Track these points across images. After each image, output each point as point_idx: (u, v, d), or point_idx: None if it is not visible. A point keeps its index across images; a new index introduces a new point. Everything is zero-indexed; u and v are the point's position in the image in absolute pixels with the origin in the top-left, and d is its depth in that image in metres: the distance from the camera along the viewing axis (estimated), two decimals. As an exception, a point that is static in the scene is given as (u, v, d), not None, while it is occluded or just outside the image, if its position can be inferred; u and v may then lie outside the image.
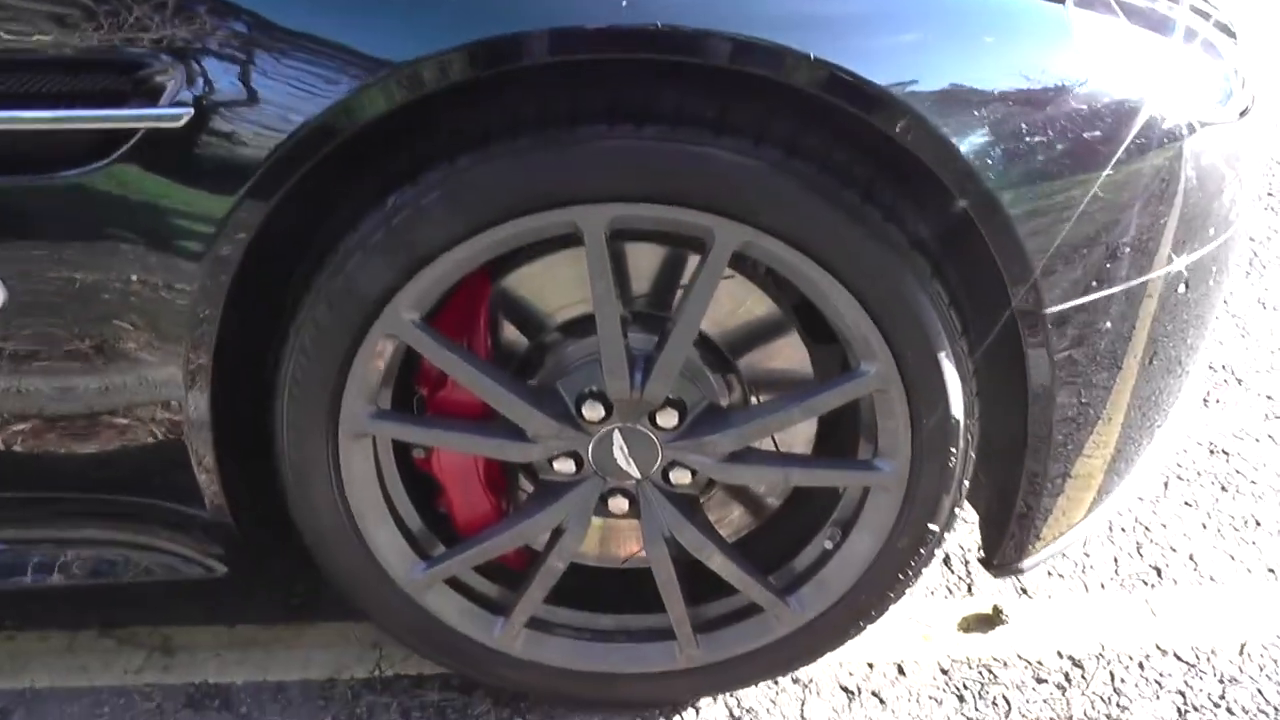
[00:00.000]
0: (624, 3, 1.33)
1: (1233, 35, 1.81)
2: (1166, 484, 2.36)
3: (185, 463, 1.62)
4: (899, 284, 1.48)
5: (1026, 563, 1.78)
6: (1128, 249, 1.53)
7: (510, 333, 1.70)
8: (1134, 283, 1.57)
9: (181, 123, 1.39)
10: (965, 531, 2.22)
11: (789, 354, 1.71)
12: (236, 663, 2.02)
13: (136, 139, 1.40)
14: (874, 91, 1.37)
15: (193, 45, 1.38)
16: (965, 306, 1.55)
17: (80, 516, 1.75)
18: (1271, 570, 2.15)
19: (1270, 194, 3.64)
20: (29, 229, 1.47)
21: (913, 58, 1.42)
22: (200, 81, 1.39)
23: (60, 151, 1.43)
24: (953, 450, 1.59)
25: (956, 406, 1.56)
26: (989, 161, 1.42)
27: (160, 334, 1.51)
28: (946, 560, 2.19)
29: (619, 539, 1.86)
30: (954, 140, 1.40)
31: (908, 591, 1.77)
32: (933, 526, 1.66)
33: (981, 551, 1.84)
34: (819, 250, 1.46)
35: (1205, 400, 2.63)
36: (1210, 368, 2.75)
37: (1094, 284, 1.52)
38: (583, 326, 1.64)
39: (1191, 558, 2.18)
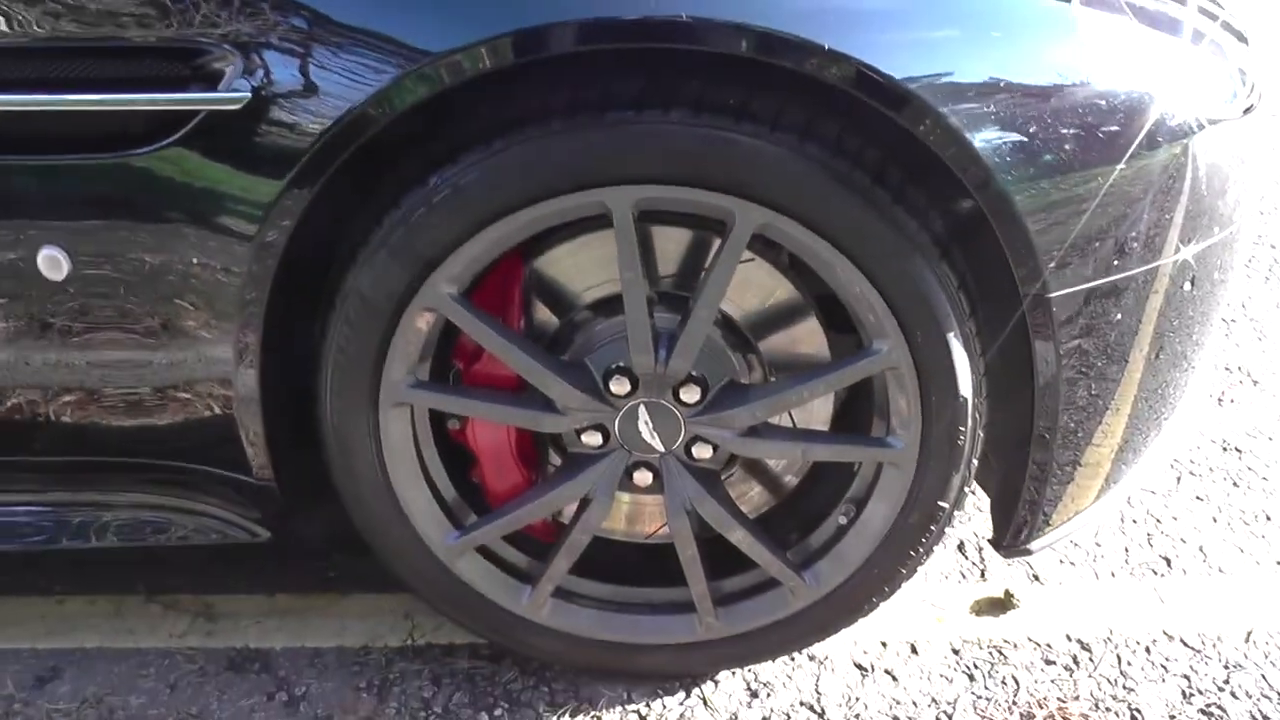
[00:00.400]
0: None
1: (1242, 37, 1.88)
2: (1179, 479, 2.42)
3: (234, 433, 1.72)
4: (909, 266, 1.55)
5: (1035, 545, 1.84)
6: (1134, 240, 1.60)
7: (542, 313, 1.79)
8: (1137, 271, 1.63)
9: (239, 106, 1.48)
10: (980, 520, 2.29)
11: (809, 340, 1.79)
12: (276, 629, 2.11)
13: (196, 122, 1.50)
14: (887, 83, 1.45)
15: (251, 36, 1.48)
16: (974, 289, 1.62)
17: (131, 482, 1.84)
18: (1279, 563, 2.20)
19: (1294, 204, 3.69)
20: (92, 205, 1.57)
21: (925, 51, 1.49)
22: (258, 70, 1.49)
23: (126, 132, 1.53)
24: (961, 428, 1.66)
25: (965, 385, 1.63)
26: (997, 151, 1.49)
27: (212, 311, 1.61)
28: (960, 547, 2.25)
29: (644, 516, 1.94)
30: (963, 130, 1.47)
31: (919, 569, 1.83)
32: (942, 503, 1.73)
33: (989, 532, 1.90)
34: (833, 232, 1.54)
35: (1220, 400, 2.69)
36: (1226, 369, 2.81)
37: (1098, 272, 1.59)
38: (610, 306, 1.73)
39: (1201, 549, 2.24)
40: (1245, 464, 2.47)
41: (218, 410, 1.70)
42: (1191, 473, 2.44)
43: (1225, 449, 2.52)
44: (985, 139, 1.49)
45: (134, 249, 1.58)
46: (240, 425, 1.71)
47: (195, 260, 1.57)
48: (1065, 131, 1.53)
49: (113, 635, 2.11)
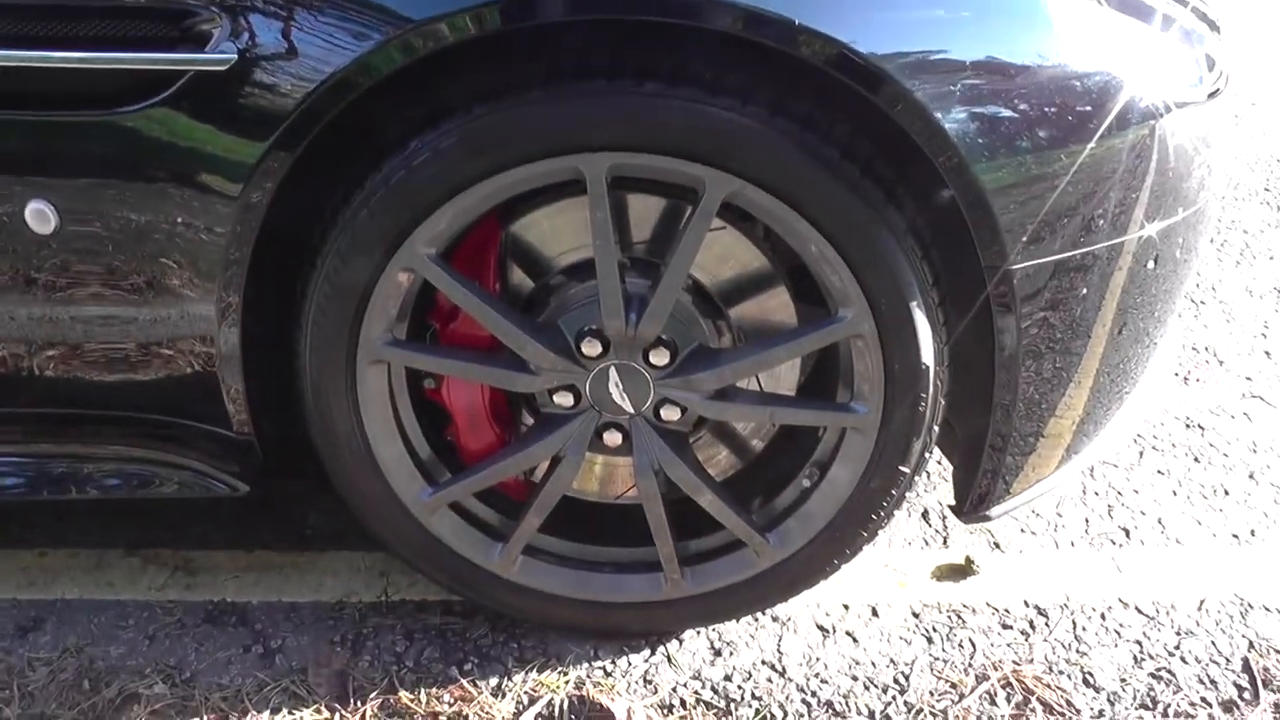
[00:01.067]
0: None
1: (1214, 25, 1.92)
2: (1142, 453, 2.48)
3: (215, 389, 1.76)
4: (874, 236, 1.60)
5: (995, 511, 1.90)
6: (1099, 217, 1.64)
7: (518, 276, 1.83)
8: (1101, 246, 1.67)
9: (225, 68, 1.52)
10: (944, 489, 2.34)
11: (778, 309, 1.83)
12: (253, 584, 2.15)
13: (182, 83, 1.54)
14: (858, 61, 1.49)
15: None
16: (937, 261, 1.67)
17: (113, 435, 1.88)
18: (1236, 536, 2.26)
19: (1267, 189, 3.75)
20: (80, 161, 1.61)
21: (897, 30, 1.53)
22: (244, 33, 1.52)
23: (114, 91, 1.56)
24: (923, 395, 1.71)
25: (927, 353, 1.68)
26: (964, 128, 1.53)
27: (196, 270, 1.65)
28: (924, 514, 2.31)
29: (614, 478, 1.99)
30: (931, 107, 1.52)
31: (881, 532, 1.89)
32: (903, 468, 1.78)
33: (953, 501, 1.96)
34: (800, 201, 1.58)
35: (1186, 379, 2.74)
36: (1194, 348, 2.86)
37: (1061, 247, 1.63)
38: (584, 270, 1.77)
39: (1160, 521, 2.30)
40: (1207, 440, 2.53)
41: (200, 367, 1.74)
42: (1154, 448, 2.50)
43: (1189, 425, 2.57)
44: (953, 117, 1.53)
45: (120, 206, 1.62)
46: (222, 381, 1.75)
47: (180, 219, 1.61)
48: (1033, 111, 1.57)
49: (93, 588, 2.15)
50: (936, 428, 1.78)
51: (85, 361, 1.78)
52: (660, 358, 1.73)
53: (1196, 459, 2.47)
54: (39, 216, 1.63)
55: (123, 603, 2.12)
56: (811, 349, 1.74)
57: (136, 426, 1.86)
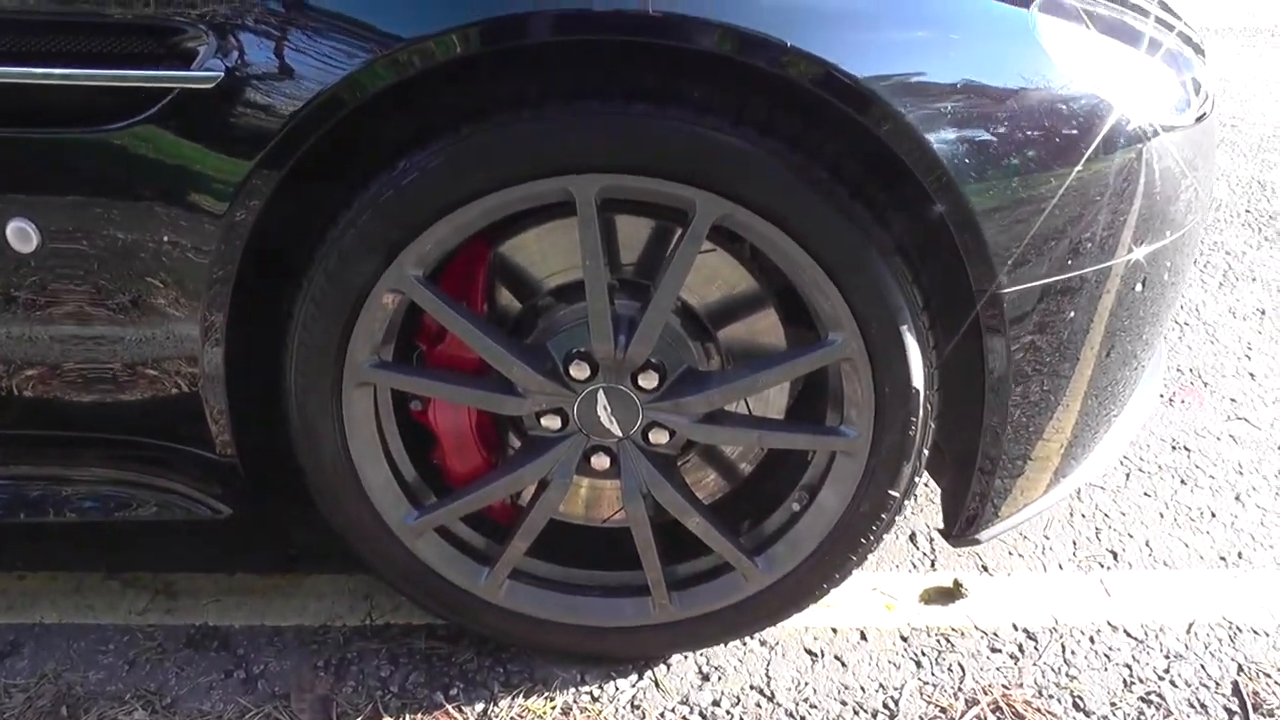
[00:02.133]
0: None
1: (1198, 49, 1.93)
2: (1128, 475, 2.48)
3: (198, 410, 1.74)
4: (865, 260, 1.59)
5: (984, 534, 1.89)
6: (1087, 241, 1.64)
7: (505, 297, 1.82)
8: (1090, 270, 1.67)
9: (211, 86, 1.51)
10: (931, 511, 2.33)
11: (767, 331, 1.83)
12: (235, 607, 2.13)
13: (168, 100, 1.52)
14: (848, 83, 1.48)
15: (226, 16, 1.50)
16: (928, 284, 1.66)
17: (93, 457, 1.86)
18: (1223, 558, 2.26)
19: (1249, 210, 3.76)
20: (63, 179, 1.59)
21: (886, 52, 1.53)
22: (232, 50, 1.51)
23: (99, 108, 1.54)
24: (913, 419, 1.70)
25: (917, 377, 1.67)
26: (953, 151, 1.53)
27: (180, 289, 1.63)
28: (912, 537, 2.30)
29: (602, 501, 1.98)
30: (921, 130, 1.51)
31: (870, 556, 1.88)
32: (893, 492, 1.77)
33: (941, 524, 1.95)
34: (792, 226, 1.57)
35: (1170, 400, 2.74)
36: (1179, 370, 2.87)
37: (1050, 271, 1.63)
38: (572, 292, 1.76)
39: (1147, 544, 2.30)
40: (1193, 462, 2.53)
41: (183, 387, 1.72)
42: (1140, 469, 2.50)
43: (1174, 448, 2.58)
44: (942, 139, 1.53)
45: (104, 224, 1.60)
46: (205, 402, 1.73)
47: (165, 238, 1.59)
48: (1022, 134, 1.57)
49: (72, 611, 2.12)
50: (926, 451, 1.77)
51: (65, 381, 1.75)
52: (649, 381, 1.72)
53: (1183, 481, 2.47)
54: (20, 235, 1.61)
55: (103, 627, 2.09)
56: (801, 373, 1.73)
57: (116, 448, 1.84)
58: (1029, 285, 1.63)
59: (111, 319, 1.67)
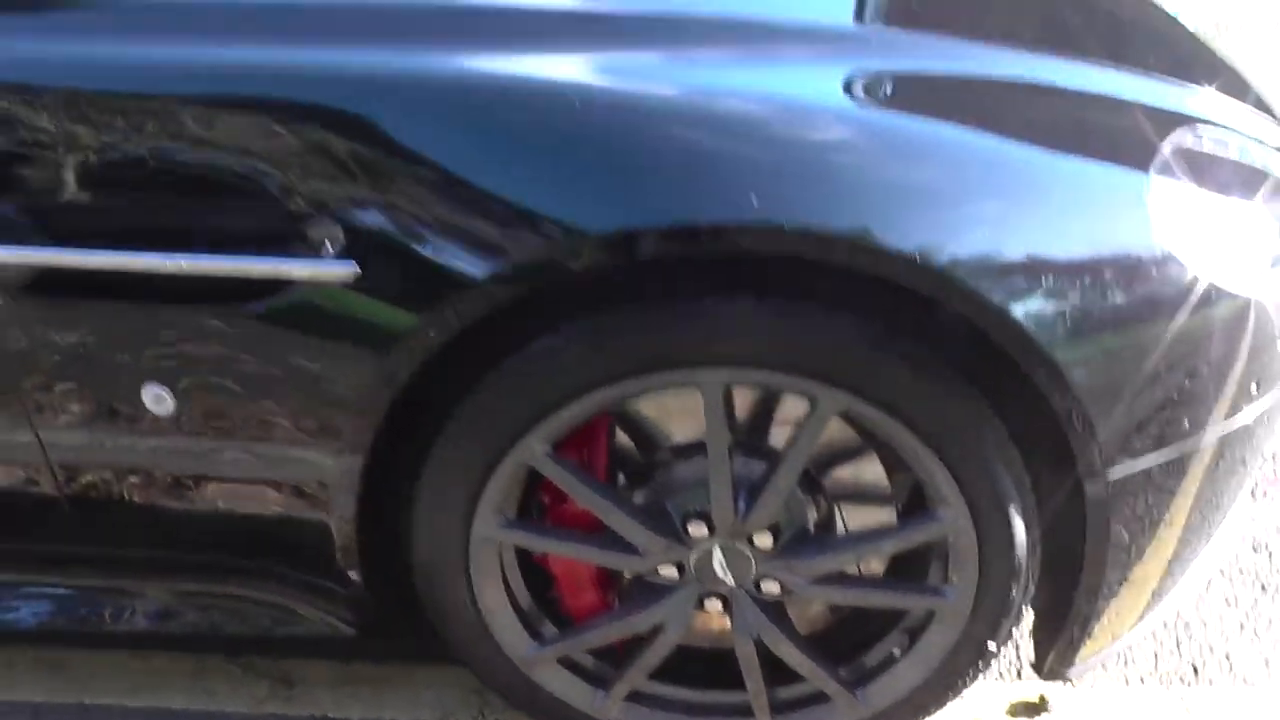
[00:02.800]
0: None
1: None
2: (1209, 581, 2.53)
3: (329, 546, 1.84)
4: (976, 446, 1.66)
5: (1073, 671, 1.96)
6: (1193, 409, 1.69)
7: (622, 437, 1.91)
8: (1193, 439, 1.73)
9: (346, 278, 1.58)
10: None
11: (869, 472, 1.90)
12: (350, 697, 2.24)
13: (303, 287, 1.61)
14: (961, 289, 1.55)
15: (362, 208, 1.58)
16: (1034, 464, 1.72)
17: (223, 573, 1.97)
18: (1303, 675, 2.32)
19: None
20: (198, 350, 1.68)
21: (987, 234, 1.58)
22: (365, 244, 1.58)
23: (234, 289, 1.63)
24: (1014, 584, 1.78)
25: (1020, 549, 1.74)
26: (1056, 335, 1.58)
27: (316, 449, 1.73)
28: (999, 646, 2.37)
29: (709, 620, 2.06)
30: (1027, 323, 1.56)
31: (964, 693, 1.96)
32: (991, 645, 1.85)
33: (1033, 655, 2.02)
34: (906, 414, 1.64)
35: (1253, 492, 2.78)
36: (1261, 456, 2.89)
37: (1154, 446, 1.69)
38: (692, 450, 1.84)
39: (1228, 658, 2.36)
40: (1275, 565, 2.58)
41: (317, 534, 1.82)
42: (1221, 573, 2.55)
43: (1256, 549, 2.62)
44: (1047, 323, 1.57)
45: (238, 396, 1.69)
46: (337, 544, 1.83)
47: (296, 414, 1.69)
48: (1130, 309, 1.62)
49: (196, 696, 2.24)
50: (1025, 607, 1.85)
51: (200, 514, 1.86)
52: (764, 540, 1.80)
53: (1264, 587, 2.52)
54: (156, 399, 1.71)
55: (227, 714, 2.21)
56: (911, 544, 1.81)
57: (250, 573, 1.95)
58: (1135, 461, 1.69)
59: (245, 473, 1.78)
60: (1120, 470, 1.68)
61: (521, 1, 1.77)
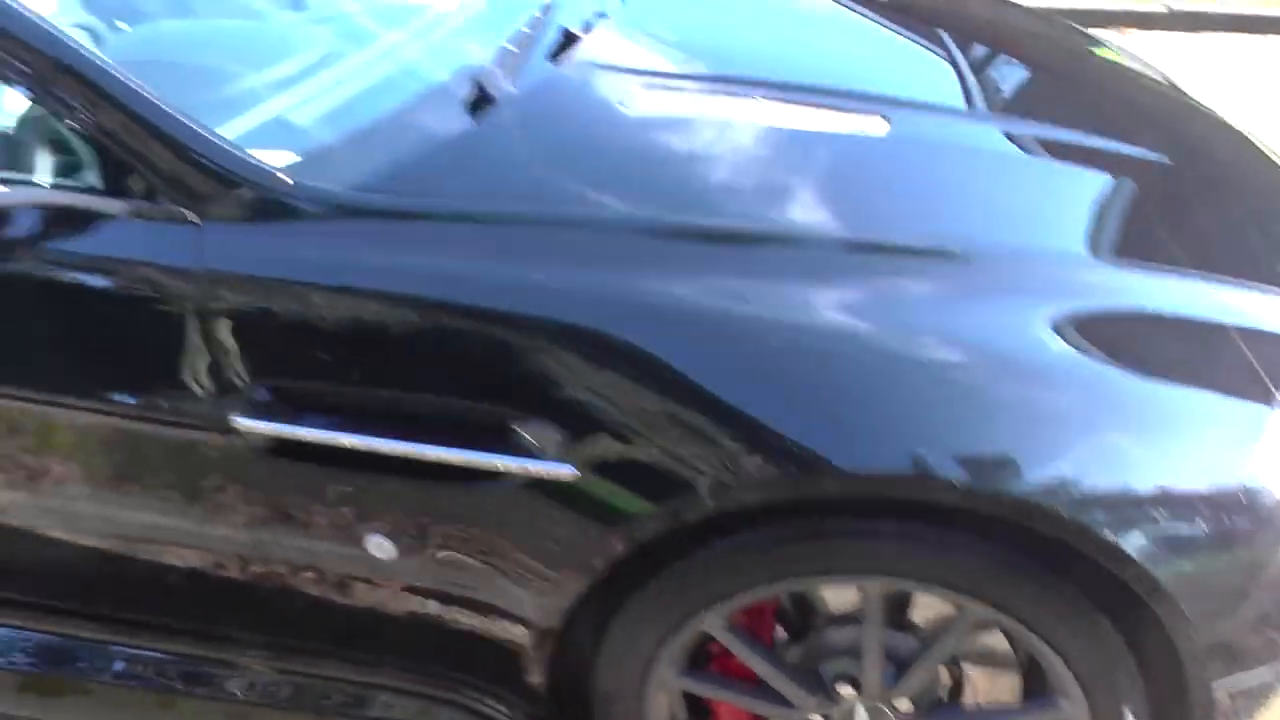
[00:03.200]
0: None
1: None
2: None
3: (519, 660, 2.13)
4: (1097, 654, 1.90)
5: None
6: None
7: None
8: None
9: (565, 478, 1.85)
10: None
11: (991, 639, 2.16)
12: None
13: (523, 479, 1.88)
14: (1103, 542, 1.79)
15: (585, 413, 1.85)
16: (1149, 670, 1.96)
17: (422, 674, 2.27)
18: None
19: None
20: (420, 511, 1.97)
21: (1110, 474, 1.80)
22: (583, 450, 1.84)
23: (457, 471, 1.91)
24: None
25: (1131, 738, 2.00)
26: (1170, 568, 1.79)
27: (518, 601, 2.01)
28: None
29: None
30: (1139, 557, 1.77)
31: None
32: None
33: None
34: (1041, 629, 1.90)
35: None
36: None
37: (1260, 662, 1.92)
38: (844, 620, 2.11)
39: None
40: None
41: (509, 664, 2.11)
42: None
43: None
44: (1160, 558, 1.78)
45: (456, 556, 1.97)
46: (527, 659, 2.09)
47: (510, 581, 1.96)
48: (1235, 533, 1.83)
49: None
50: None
51: (406, 638, 2.15)
52: (904, 704, 2.07)
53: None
54: (379, 547, 2.00)
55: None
56: (1031, 721, 2.07)
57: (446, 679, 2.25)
58: (1244, 676, 1.91)
59: (459, 611, 2.07)
60: (1223, 682, 1.91)
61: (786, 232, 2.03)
